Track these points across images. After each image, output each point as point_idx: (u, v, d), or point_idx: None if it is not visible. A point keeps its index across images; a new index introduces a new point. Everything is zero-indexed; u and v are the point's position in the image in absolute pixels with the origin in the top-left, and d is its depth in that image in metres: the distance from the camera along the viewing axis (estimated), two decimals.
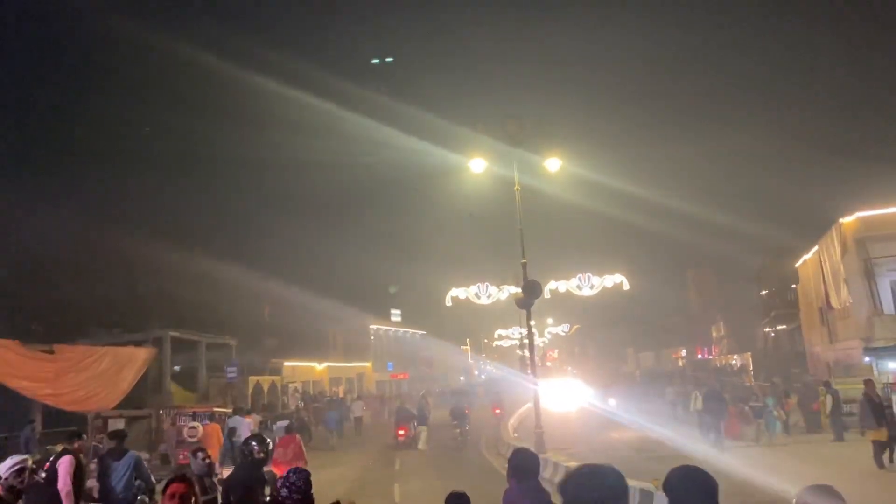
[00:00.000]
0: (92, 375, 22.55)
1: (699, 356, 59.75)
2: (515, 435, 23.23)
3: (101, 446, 13.23)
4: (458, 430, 22.10)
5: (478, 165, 15.24)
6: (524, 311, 50.93)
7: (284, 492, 3.77)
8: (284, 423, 20.62)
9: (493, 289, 47.67)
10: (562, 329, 78.72)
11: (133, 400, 24.32)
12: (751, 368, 43.29)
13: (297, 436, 14.07)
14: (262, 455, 5.97)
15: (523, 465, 3.98)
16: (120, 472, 7.23)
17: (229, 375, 26.24)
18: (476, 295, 49.02)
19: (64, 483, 6.96)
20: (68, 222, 37.31)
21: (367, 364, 50.77)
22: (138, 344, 25.63)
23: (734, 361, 47.59)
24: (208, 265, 38.84)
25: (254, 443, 5.99)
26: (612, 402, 25.21)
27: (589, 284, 48.32)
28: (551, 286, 46.58)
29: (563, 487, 2.47)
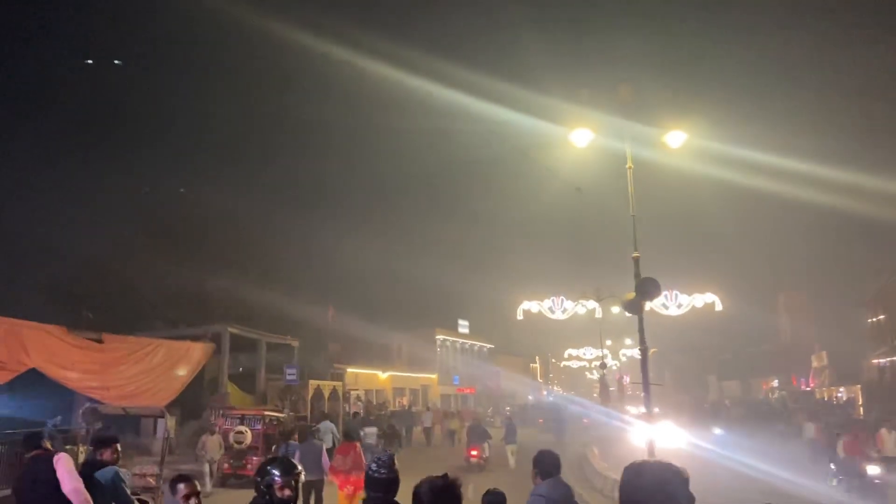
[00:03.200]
0: (144, 369, 21.05)
1: (797, 388, 54.64)
2: (605, 464, 20.85)
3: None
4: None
5: (581, 138, 12.61)
6: (598, 331, 47.78)
7: (374, 465, 3.77)
8: (373, 429, 19.76)
9: (568, 303, 44.60)
10: (637, 352, 74.33)
11: (188, 398, 22.80)
12: (860, 403, 38.62)
13: (357, 444, 12.31)
14: (287, 493, 3.58)
15: (548, 464, 4.89)
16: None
17: (288, 378, 24.39)
18: (550, 309, 45.90)
19: (74, 482, 4.86)
20: (145, 213, 36.89)
21: (433, 376, 48.45)
22: (195, 339, 24.15)
23: (840, 394, 42.81)
24: (273, 265, 37.62)
25: (275, 472, 3.59)
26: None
27: (676, 303, 44.38)
28: None
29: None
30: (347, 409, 29.44)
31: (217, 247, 35.61)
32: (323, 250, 45.21)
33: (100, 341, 19.41)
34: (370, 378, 39.57)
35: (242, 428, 14.38)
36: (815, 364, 52.77)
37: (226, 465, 14.25)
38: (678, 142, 12.55)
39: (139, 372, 20.63)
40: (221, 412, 16.12)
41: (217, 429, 13.97)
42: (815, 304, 62.63)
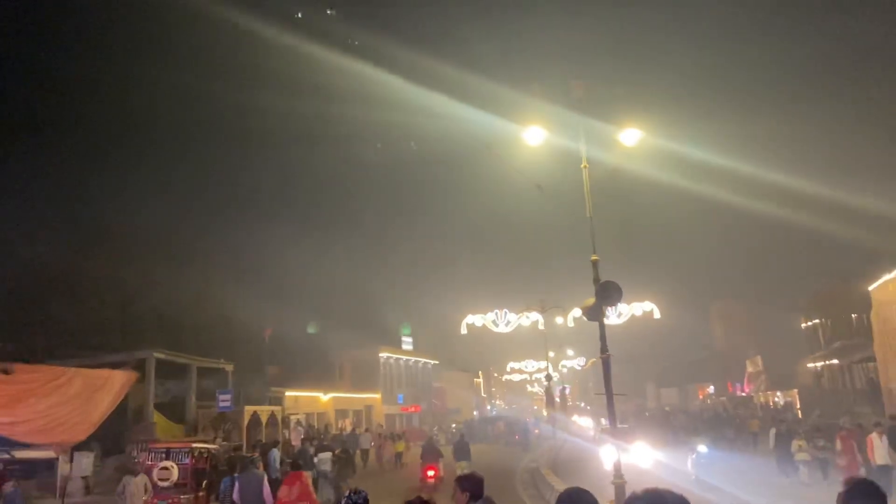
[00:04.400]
0: (58, 401, 19.11)
1: (734, 393, 55.69)
2: (547, 471, 20.37)
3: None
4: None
5: (534, 136, 11.91)
6: (539, 343, 47.60)
7: None
8: (327, 455, 18.50)
9: (512, 316, 44.16)
10: (577, 363, 74.79)
11: (109, 431, 20.90)
12: (797, 406, 39.45)
13: (304, 473, 11.74)
14: None
15: (476, 488, 4.84)
16: None
17: (221, 404, 22.75)
18: (494, 322, 45.34)
19: None
20: (63, 238, 34.28)
21: (376, 395, 47.00)
22: (118, 366, 22.26)
23: (777, 398, 43.75)
24: (205, 284, 35.72)
25: None
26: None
27: (617, 312, 44.41)
28: (575, 314, 42.78)
29: None
30: (287, 434, 27.84)
31: (143, 268, 33.51)
32: (259, 267, 43.23)
33: (7, 372, 17.47)
34: (311, 401, 37.89)
35: (168, 463, 12.87)
36: (749, 369, 53.97)
37: None
38: (633, 140, 12.00)
39: (53, 404, 18.72)
40: (144, 446, 14.54)
41: (141, 468, 12.23)
42: (748, 311, 64.37)
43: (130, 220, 34.39)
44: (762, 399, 45.64)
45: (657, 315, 40.26)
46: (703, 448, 17.50)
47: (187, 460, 13.06)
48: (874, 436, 13.57)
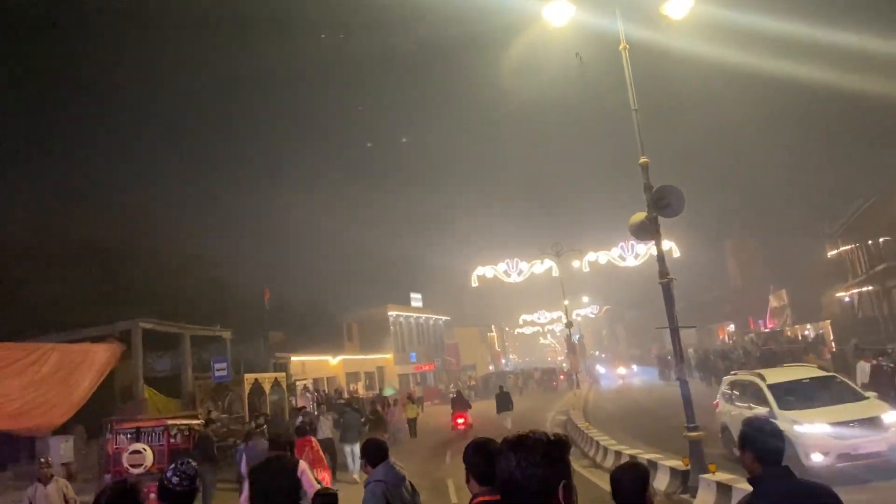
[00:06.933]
0: (31, 381, 17.13)
1: (758, 329, 53.75)
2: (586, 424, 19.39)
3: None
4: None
5: (559, 13, 9.43)
6: (552, 294, 45.46)
7: (175, 479, 3.36)
8: (355, 415, 18.20)
9: (524, 264, 41.79)
10: (590, 311, 72.85)
11: (94, 411, 18.96)
12: (831, 338, 37.39)
13: (313, 438, 11.12)
14: None
15: (376, 453, 4.82)
16: None
17: (217, 374, 20.75)
18: (505, 272, 42.98)
19: None
20: (36, 204, 31.91)
21: (388, 356, 45.23)
22: (99, 340, 20.22)
23: (807, 332, 41.76)
24: (197, 246, 33.59)
25: None
26: None
27: (633, 253, 42.00)
28: (590, 258, 40.38)
29: None
30: (294, 402, 25.97)
31: (128, 233, 31.26)
32: (255, 228, 40.98)
33: None
34: (320, 365, 36.08)
35: (140, 446, 10.81)
36: (773, 304, 51.87)
37: None
38: (682, 10, 9.48)
39: (25, 385, 16.79)
40: (110, 427, 12.47)
41: (51, 473, 8.36)
42: (766, 245, 61.99)
43: (109, 179, 32.01)
44: (790, 333, 43.71)
45: (676, 254, 38.20)
46: None
47: (163, 441, 11.01)
48: None
